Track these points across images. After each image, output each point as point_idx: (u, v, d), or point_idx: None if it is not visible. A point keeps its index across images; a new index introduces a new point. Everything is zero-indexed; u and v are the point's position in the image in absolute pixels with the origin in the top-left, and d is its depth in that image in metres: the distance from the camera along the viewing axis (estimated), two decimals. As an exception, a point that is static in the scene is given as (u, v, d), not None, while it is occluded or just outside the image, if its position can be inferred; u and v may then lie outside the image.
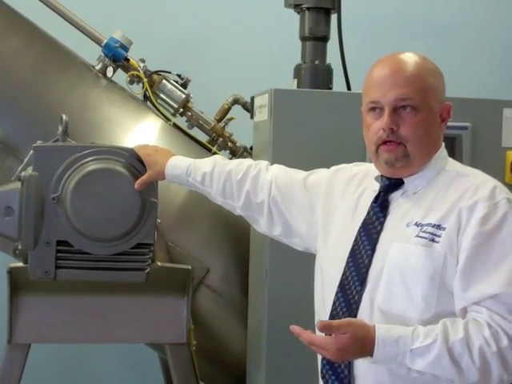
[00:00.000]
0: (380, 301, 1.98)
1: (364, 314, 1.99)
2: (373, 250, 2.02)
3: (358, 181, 2.20)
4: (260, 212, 2.39)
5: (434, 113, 2.04)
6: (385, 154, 2.02)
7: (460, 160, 2.64)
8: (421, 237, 1.97)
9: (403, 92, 1.99)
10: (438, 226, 1.97)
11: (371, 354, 1.87)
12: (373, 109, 2.04)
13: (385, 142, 2.02)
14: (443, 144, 2.12)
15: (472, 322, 1.89)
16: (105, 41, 3.42)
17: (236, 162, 2.52)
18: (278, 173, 2.40)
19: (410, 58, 2.05)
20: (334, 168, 2.32)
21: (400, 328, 1.90)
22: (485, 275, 1.91)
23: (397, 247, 2.00)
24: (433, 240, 1.96)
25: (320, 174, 2.33)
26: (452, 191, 2.01)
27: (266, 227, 2.40)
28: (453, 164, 2.12)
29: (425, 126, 2.02)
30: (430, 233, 1.97)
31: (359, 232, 2.07)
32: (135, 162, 2.61)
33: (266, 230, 2.42)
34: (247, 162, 2.49)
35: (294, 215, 2.32)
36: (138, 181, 2.57)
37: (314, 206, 2.27)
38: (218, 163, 2.49)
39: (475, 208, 1.95)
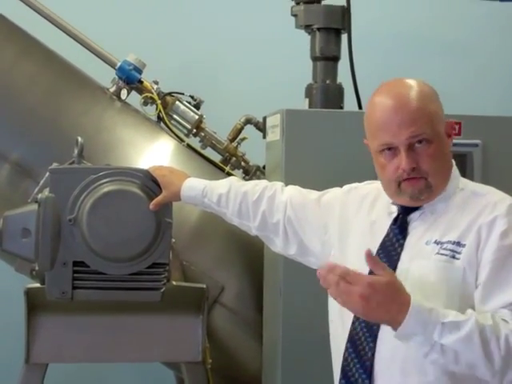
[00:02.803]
0: None
1: (385, 333, 1.98)
2: (394, 269, 2.02)
3: (371, 200, 2.22)
4: (275, 232, 2.41)
5: (443, 137, 2.06)
6: (409, 188, 2.03)
7: (471, 177, 2.67)
8: (441, 254, 2.00)
9: (413, 130, 2.00)
10: (458, 243, 1.99)
11: (397, 321, 1.83)
12: (385, 150, 2.04)
13: (406, 179, 2.03)
14: (453, 162, 2.14)
15: (497, 315, 1.90)
16: (119, 64, 3.46)
17: (252, 183, 2.55)
18: (292, 193, 2.43)
19: (408, 89, 2.04)
20: (346, 187, 2.34)
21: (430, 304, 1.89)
22: (506, 287, 1.93)
23: (417, 265, 2.02)
24: (453, 257, 1.98)
25: (333, 194, 2.36)
26: (469, 209, 2.03)
27: (282, 247, 2.42)
28: (465, 182, 2.14)
29: (440, 154, 2.04)
30: (450, 250, 1.99)
31: (378, 253, 2.08)
32: (150, 182, 2.64)
33: (281, 250, 2.44)
34: (263, 183, 2.52)
35: (309, 235, 2.34)
36: (153, 202, 2.60)
37: (328, 225, 2.29)
38: (234, 184, 2.52)
39: (494, 224, 1.98)
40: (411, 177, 2.02)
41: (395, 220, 2.12)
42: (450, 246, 2.00)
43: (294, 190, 2.45)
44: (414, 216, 2.10)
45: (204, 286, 2.93)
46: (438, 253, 2.01)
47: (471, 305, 1.96)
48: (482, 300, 1.95)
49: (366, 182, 2.33)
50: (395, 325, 1.85)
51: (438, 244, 2.02)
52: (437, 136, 2.03)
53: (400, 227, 2.10)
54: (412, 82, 2.07)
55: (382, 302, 1.83)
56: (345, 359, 2.07)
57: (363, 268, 2.05)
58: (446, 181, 2.08)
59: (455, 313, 1.89)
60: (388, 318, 1.86)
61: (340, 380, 2.08)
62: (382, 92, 2.08)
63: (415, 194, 2.04)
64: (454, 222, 2.04)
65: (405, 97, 2.03)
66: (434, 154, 2.02)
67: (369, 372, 2.02)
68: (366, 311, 1.85)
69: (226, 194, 2.50)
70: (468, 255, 1.97)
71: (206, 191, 2.53)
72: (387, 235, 2.11)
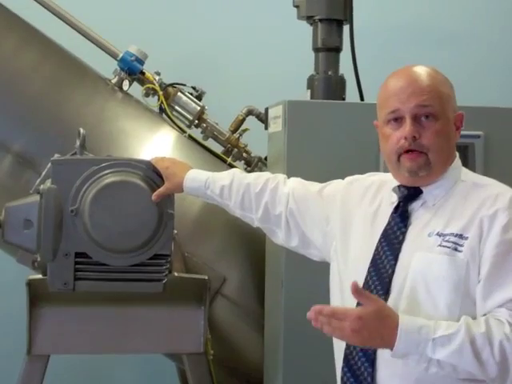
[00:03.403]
0: (404, 309, 1.99)
1: None
2: (395, 259, 2.04)
3: (373, 191, 2.22)
4: (278, 224, 2.41)
5: (451, 122, 2.07)
6: (407, 162, 2.04)
7: (473, 169, 2.67)
8: (444, 246, 2.00)
9: (423, 99, 2.02)
10: (461, 236, 1.99)
11: (388, 343, 1.88)
12: (392, 120, 2.05)
13: (406, 151, 2.03)
14: (457, 154, 2.14)
15: (493, 319, 1.91)
16: (120, 55, 3.45)
17: (254, 175, 2.55)
18: (295, 186, 2.43)
19: (422, 70, 2.07)
20: (348, 179, 2.34)
21: (422, 319, 1.92)
22: (507, 282, 1.94)
23: (420, 256, 2.02)
24: (456, 249, 1.98)
25: (335, 186, 2.36)
26: (471, 201, 2.03)
27: (284, 239, 2.43)
28: (467, 174, 2.15)
29: (445, 134, 2.05)
30: (452, 242, 1.99)
31: (380, 242, 2.09)
32: (152, 174, 2.64)
33: (283, 242, 2.45)
34: (265, 175, 2.52)
35: (310, 227, 2.35)
36: (156, 193, 2.60)
37: (329, 217, 2.29)
38: (237, 176, 2.52)
39: (496, 217, 1.98)
40: (412, 148, 2.02)
41: (396, 208, 2.12)
42: (452, 239, 2.00)
43: (296, 183, 2.45)
44: (415, 206, 2.10)
45: (206, 278, 2.94)
46: (440, 245, 2.00)
47: (473, 299, 1.97)
48: (483, 296, 1.95)
49: (368, 174, 2.33)
50: (390, 347, 1.90)
51: (440, 236, 2.02)
52: (444, 116, 2.04)
53: (401, 215, 2.10)
54: (429, 68, 2.10)
55: (374, 330, 1.88)
56: (347, 347, 2.08)
57: (365, 257, 2.08)
58: (446, 164, 2.08)
59: (446, 325, 1.90)
60: (382, 343, 1.91)
61: (342, 368, 2.08)
62: (400, 69, 2.11)
63: (414, 168, 2.04)
64: (455, 213, 2.04)
65: (419, 74, 2.06)
66: (438, 131, 2.03)
67: (371, 359, 2.03)
68: (361, 342, 1.91)
69: (228, 185, 2.50)
70: (471, 248, 1.97)
71: (208, 183, 2.53)
72: (389, 223, 2.11)
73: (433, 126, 2.03)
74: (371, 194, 2.22)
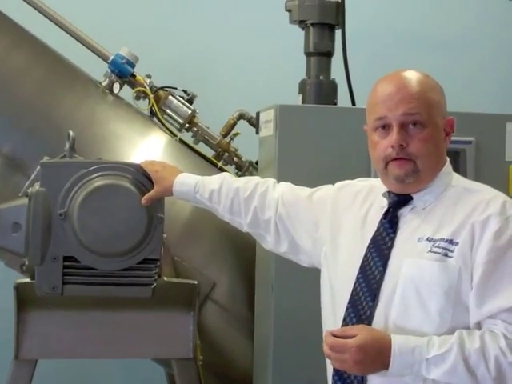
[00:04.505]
0: (395, 316, 1.98)
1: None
2: (384, 265, 2.03)
3: (363, 196, 2.21)
4: (267, 229, 2.40)
5: (440, 128, 2.06)
6: (395, 170, 2.03)
7: (464, 174, 2.66)
8: (434, 252, 1.98)
9: (410, 107, 2.01)
10: (451, 241, 1.97)
11: (387, 365, 1.89)
12: (379, 127, 2.04)
13: (394, 159, 2.02)
14: (448, 159, 2.13)
15: (488, 333, 1.90)
16: (111, 57, 3.45)
17: (244, 179, 2.54)
18: (284, 190, 2.41)
19: (412, 76, 2.06)
20: (338, 184, 2.33)
21: (415, 338, 1.91)
22: (500, 290, 1.92)
23: (410, 263, 2.00)
24: (446, 255, 1.97)
25: (325, 191, 2.34)
26: (461, 206, 2.01)
27: (273, 244, 2.41)
28: (459, 179, 2.13)
29: (433, 141, 2.03)
30: (443, 248, 1.97)
31: (369, 248, 2.08)
32: (142, 177, 2.62)
33: (272, 247, 2.43)
34: (255, 179, 2.50)
35: (299, 232, 2.33)
36: (145, 197, 2.58)
37: (319, 222, 2.28)
38: (226, 180, 2.50)
39: (488, 223, 1.96)
40: (399, 157, 2.01)
41: (385, 214, 2.10)
42: (442, 244, 1.98)
43: (285, 187, 2.44)
44: (404, 211, 2.08)
45: (195, 282, 2.92)
46: (430, 251, 1.99)
47: (466, 305, 1.95)
48: (476, 304, 1.94)
49: (358, 179, 2.32)
50: (386, 368, 1.91)
51: (430, 241, 2.00)
52: (432, 123, 2.03)
53: (390, 221, 2.08)
54: (420, 73, 2.08)
55: (375, 357, 1.92)
56: None
57: (354, 263, 2.07)
58: (435, 171, 2.07)
59: (439, 342, 1.90)
60: (378, 366, 1.92)
61: (333, 377, 2.06)
62: (390, 74, 2.10)
63: (401, 176, 2.02)
64: (446, 218, 2.02)
65: (409, 80, 2.04)
66: (426, 139, 2.01)
67: None
68: (363, 371, 1.95)
69: (217, 190, 2.49)
70: (462, 254, 1.96)
71: (198, 187, 2.52)
72: (377, 229, 2.09)
73: (420, 134, 2.01)
74: (361, 198, 2.21)
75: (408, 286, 1.98)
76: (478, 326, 1.94)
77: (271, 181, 2.47)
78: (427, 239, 2.00)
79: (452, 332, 1.92)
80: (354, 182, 2.30)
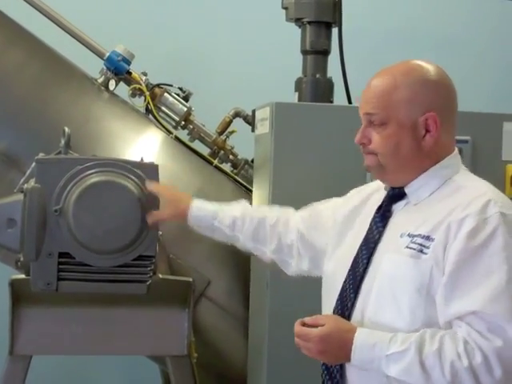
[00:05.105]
0: (370, 312, 1.98)
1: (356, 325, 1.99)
2: (368, 260, 2.03)
3: (371, 193, 2.21)
4: (289, 254, 2.39)
5: (405, 125, 2.01)
6: (365, 160, 2.08)
7: (460, 173, 2.65)
8: (410, 248, 1.96)
9: (368, 108, 2.04)
10: (428, 238, 1.94)
11: (350, 358, 1.91)
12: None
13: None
14: (455, 151, 2.10)
15: (449, 336, 1.87)
16: (107, 54, 3.44)
17: (265, 207, 2.55)
18: (303, 214, 2.41)
19: (386, 74, 2.04)
20: (354, 190, 2.32)
21: (380, 333, 1.91)
22: (467, 291, 1.88)
23: (388, 258, 1.99)
24: (421, 251, 1.94)
25: (342, 198, 2.33)
26: (448, 203, 1.98)
27: (296, 266, 2.39)
28: (463, 174, 2.09)
29: (393, 140, 2.01)
30: (419, 244, 1.95)
31: (362, 243, 2.08)
32: (137, 174, 2.62)
33: (296, 270, 2.41)
34: (276, 207, 2.50)
35: (319, 236, 2.32)
36: (154, 216, 2.56)
37: (335, 221, 2.27)
38: (248, 208, 2.50)
39: (464, 222, 1.91)
40: (365, 152, 2.06)
41: (379, 209, 2.10)
42: (419, 240, 1.95)
43: (303, 211, 2.43)
44: (398, 206, 2.07)
45: (190, 280, 2.91)
46: (407, 246, 1.96)
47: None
48: (444, 303, 1.90)
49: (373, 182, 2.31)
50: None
51: (410, 237, 1.98)
52: (394, 121, 2.01)
53: (381, 216, 2.08)
54: (404, 66, 2.07)
55: (338, 349, 1.93)
56: None
57: (349, 257, 2.09)
58: (407, 168, 2.03)
59: (402, 339, 1.88)
60: (346, 358, 1.93)
61: (322, 372, 2.07)
62: (384, 67, 2.10)
63: (368, 168, 2.09)
64: (432, 214, 1.98)
65: (376, 79, 2.05)
66: (385, 137, 2.01)
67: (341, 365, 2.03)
68: (330, 360, 1.99)
69: (241, 217, 2.46)
70: (435, 251, 1.92)
71: (216, 213, 2.48)
72: (370, 224, 2.10)
73: (380, 132, 2.02)
74: (368, 195, 2.21)
75: (384, 281, 1.98)
76: (449, 325, 1.91)
77: (291, 209, 2.46)
78: (408, 234, 1.98)
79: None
80: (368, 184, 2.29)
